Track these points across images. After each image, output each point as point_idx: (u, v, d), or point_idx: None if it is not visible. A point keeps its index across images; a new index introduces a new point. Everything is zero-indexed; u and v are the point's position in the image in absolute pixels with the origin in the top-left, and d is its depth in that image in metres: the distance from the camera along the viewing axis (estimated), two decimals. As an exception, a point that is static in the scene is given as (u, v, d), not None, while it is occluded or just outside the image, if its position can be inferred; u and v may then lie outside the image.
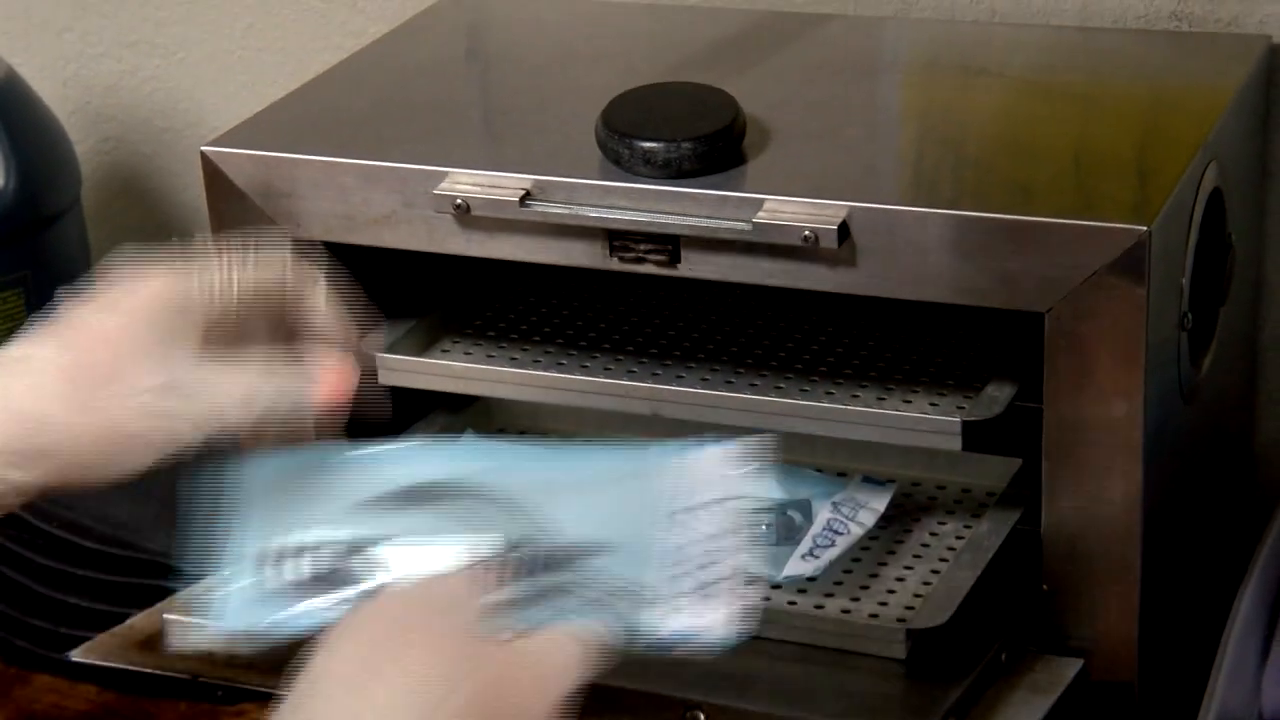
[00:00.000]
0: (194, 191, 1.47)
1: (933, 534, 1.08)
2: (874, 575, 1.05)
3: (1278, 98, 1.19)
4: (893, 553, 1.07)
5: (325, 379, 0.87)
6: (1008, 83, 1.14)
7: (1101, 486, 0.97)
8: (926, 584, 1.04)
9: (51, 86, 1.45)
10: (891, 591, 1.04)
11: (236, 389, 0.85)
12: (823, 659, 0.99)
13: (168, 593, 1.10)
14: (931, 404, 1.05)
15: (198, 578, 1.10)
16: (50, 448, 0.84)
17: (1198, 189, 1.02)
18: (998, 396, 1.04)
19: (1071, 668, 1.00)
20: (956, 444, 1.02)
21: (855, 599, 1.03)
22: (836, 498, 1.06)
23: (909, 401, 1.06)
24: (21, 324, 1.29)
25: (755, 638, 0.86)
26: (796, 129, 1.06)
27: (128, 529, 1.20)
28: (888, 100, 1.16)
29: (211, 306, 0.86)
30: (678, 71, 1.13)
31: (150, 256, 0.87)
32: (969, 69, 1.16)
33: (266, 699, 1.07)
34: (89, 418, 0.84)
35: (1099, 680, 1.00)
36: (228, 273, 0.86)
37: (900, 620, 1.01)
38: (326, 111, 1.13)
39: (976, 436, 1.02)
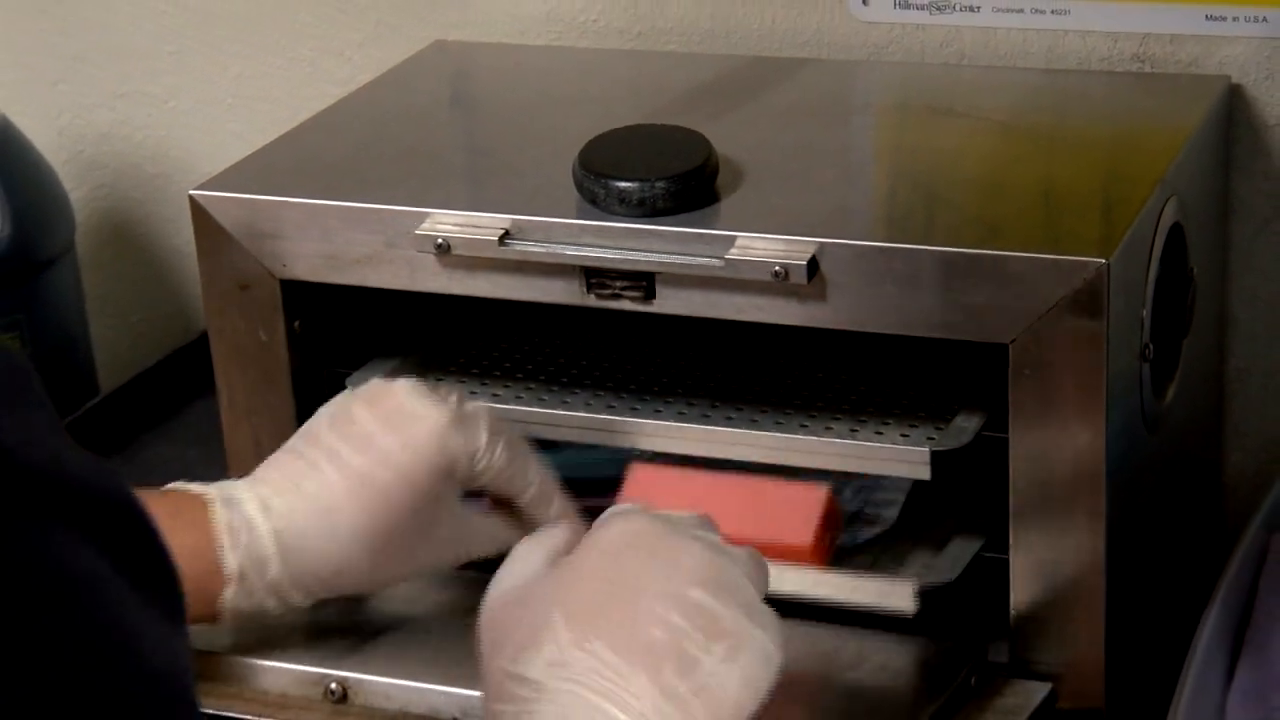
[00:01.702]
0: (185, 236, 1.49)
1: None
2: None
3: (1238, 136, 1.21)
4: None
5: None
6: (975, 123, 1.16)
7: (1066, 513, 0.99)
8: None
9: (46, 135, 1.46)
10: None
11: (491, 539, 1.00)
12: (800, 680, 1.00)
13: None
14: (903, 435, 1.07)
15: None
16: (342, 588, 0.99)
17: (1157, 223, 1.04)
18: (966, 427, 1.05)
19: (1039, 692, 1.01)
20: (926, 473, 1.03)
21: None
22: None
23: (880, 433, 1.07)
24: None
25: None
26: (768, 169, 1.08)
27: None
28: (858, 141, 1.18)
29: (470, 474, 0.99)
30: (655, 115, 1.15)
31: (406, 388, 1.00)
32: (937, 110, 1.18)
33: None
34: (383, 574, 1.00)
35: (1067, 706, 1.02)
36: (486, 444, 0.99)
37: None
38: (311, 156, 1.15)
39: (945, 466, 1.04)
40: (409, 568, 1.00)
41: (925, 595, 1.01)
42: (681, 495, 1.05)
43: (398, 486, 0.97)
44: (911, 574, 1.05)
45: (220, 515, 0.97)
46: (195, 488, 0.99)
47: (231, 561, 0.96)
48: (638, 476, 1.08)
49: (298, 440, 1.01)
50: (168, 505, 0.97)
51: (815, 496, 1.05)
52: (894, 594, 1.02)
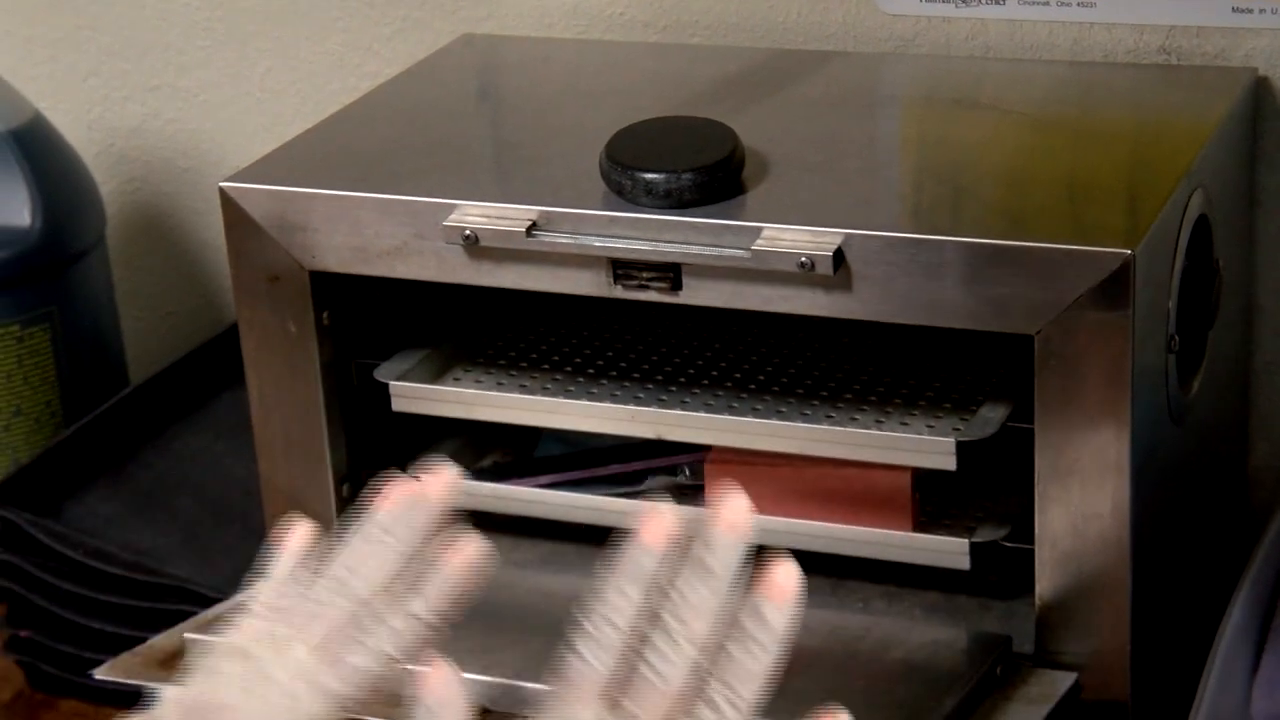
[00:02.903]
0: (215, 229, 1.48)
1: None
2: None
3: (1265, 129, 1.21)
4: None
5: None
6: (1001, 115, 1.15)
7: (1092, 504, 0.99)
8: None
9: (77, 130, 1.47)
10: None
11: None
12: (825, 665, 1.00)
13: (188, 616, 1.12)
14: (929, 425, 1.07)
15: (218, 600, 1.13)
16: None
17: (1183, 215, 1.04)
18: (991, 418, 1.05)
19: (1064, 682, 1.01)
20: (951, 463, 1.03)
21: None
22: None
23: (906, 424, 1.07)
24: (48, 360, 1.32)
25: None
26: (794, 160, 1.08)
27: (152, 556, 1.21)
28: (884, 133, 1.17)
29: None
30: (680, 107, 1.14)
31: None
32: (963, 102, 1.18)
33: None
34: None
35: (1091, 696, 1.02)
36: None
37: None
38: (340, 148, 1.15)
39: (970, 456, 1.03)
40: None
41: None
42: (766, 487, 1.06)
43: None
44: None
45: None
46: None
47: None
48: (717, 473, 1.09)
49: None
50: None
51: (901, 482, 1.05)
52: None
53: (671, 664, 0.81)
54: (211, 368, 1.36)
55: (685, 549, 0.85)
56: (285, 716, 0.85)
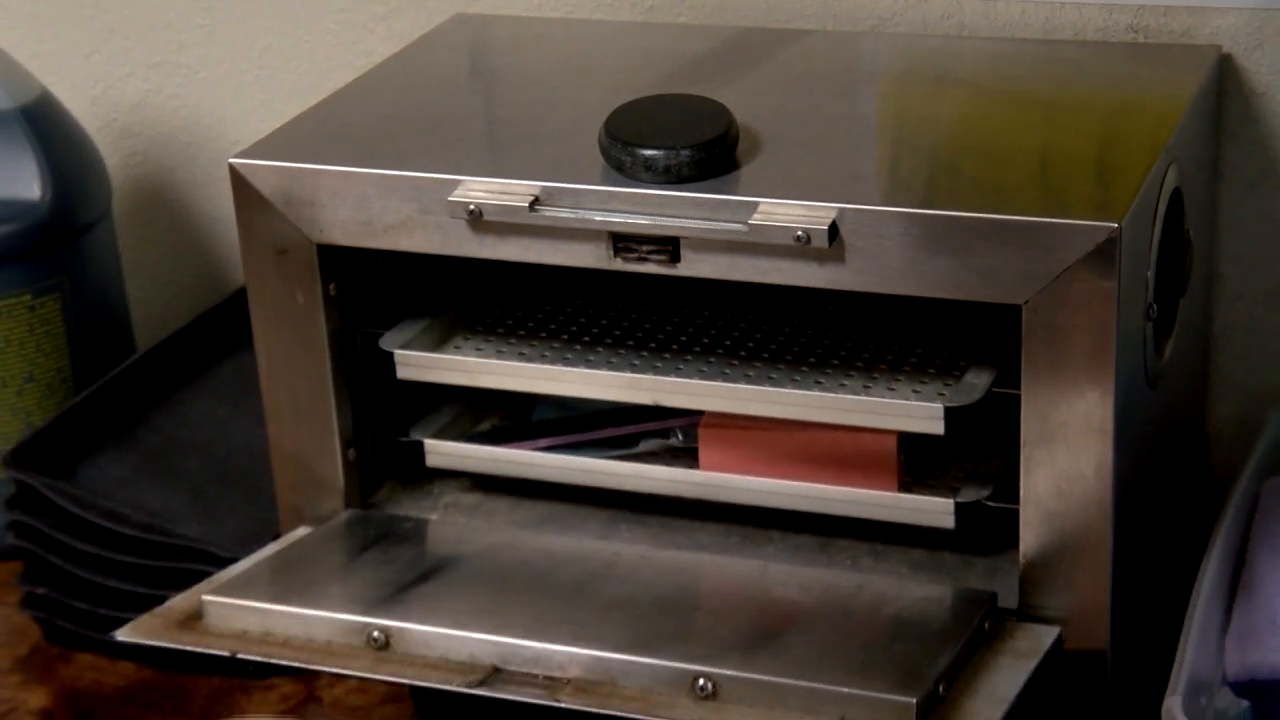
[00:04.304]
0: (215, 201, 1.45)
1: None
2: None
3: (1228, 104, 1.18)
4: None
5: None
6: (978, 91, 1.12)
7: (1076, 466, 0.96)
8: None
9: (82, 105, 1.42)
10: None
11: None
12: (824, 623, 0.97)
13: (200, 575, 1.08)
14: (915, 391, 1.04)
15: (229, 560, 1.09)
16: None
17: (1160, 188, 1.01)
18: (976, 384, 1.02)
19: (1048, 636, 0.98)
20: (939, 427, 1.00)
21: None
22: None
23: (893, 389, 1.04)
24: (59, 328, 1.28)
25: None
26: (784, 136, 1.04)
27: (162, 517, 1.18)
28: (867, 109, 1.14)
29: None
30: (670, 84, 1.11)
31: None
32: (942, 79, 1.14)
33: (297, 672, 1.06)
34: None
35: (1073, 648, 0.99)
36: None
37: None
38: (345, 125, 1.11)
39: (957, 421, 1.00)
40: None
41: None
42: (757, 450, 1.03)
43: None
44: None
45: None
46: None
47: None
48: (711, 437, 1.05)
49: None
50: None
51: (887, 445, 1.02)
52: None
53: None
54: (215, 334, 1.33)
55: None
56: None
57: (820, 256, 0.96)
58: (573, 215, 0.99)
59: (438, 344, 1.11)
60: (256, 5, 1.39)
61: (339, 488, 1.10)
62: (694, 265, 0.99)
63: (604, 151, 1.01)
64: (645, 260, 0.99)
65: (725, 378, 1.06)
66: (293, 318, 1.07)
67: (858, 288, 0.96)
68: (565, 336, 1.11)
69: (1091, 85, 1.13)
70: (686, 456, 1.09)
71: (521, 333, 1.12)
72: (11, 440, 1.23)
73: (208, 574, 1.09)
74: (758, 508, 1.06)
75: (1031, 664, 0.96)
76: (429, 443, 1.11)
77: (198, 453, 1.25)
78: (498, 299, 1.15)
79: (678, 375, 1.06)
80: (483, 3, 1.32)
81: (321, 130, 1.10)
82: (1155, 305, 1.00)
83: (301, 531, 1.10)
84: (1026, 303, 0.93)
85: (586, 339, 1.11)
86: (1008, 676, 0.95)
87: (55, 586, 1.18)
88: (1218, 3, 1.16)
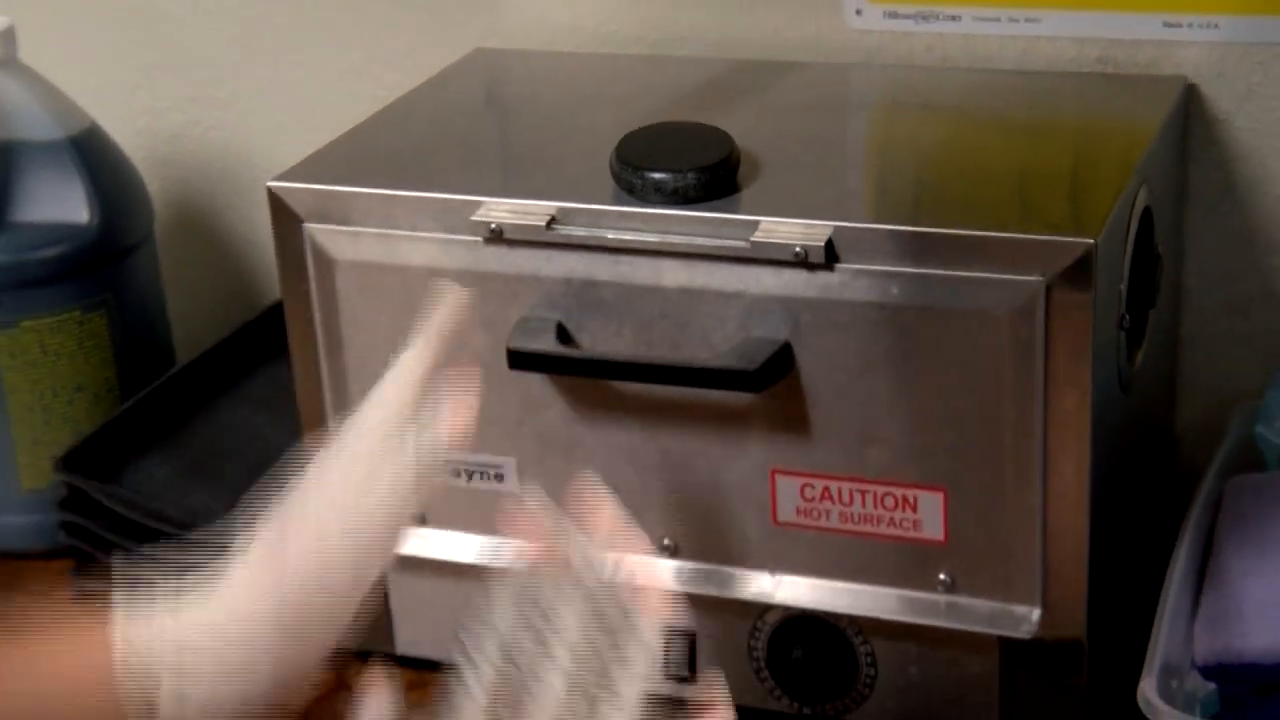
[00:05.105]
0: (249, 224, 1.46)
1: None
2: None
3: (1193, 130, 1.18)
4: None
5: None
6: (961, 118, 1.13)
7: (1055, 465, 0.96)
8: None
9: (127, 135, 1.43)
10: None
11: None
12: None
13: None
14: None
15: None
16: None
17: (1132, 208, 1.01)
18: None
19: (1029, 620, 0.99)
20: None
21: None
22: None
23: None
24: (106, 342, 1.29)
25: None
26: (781, 160, 1.05)
27: (202, 516, 1.18)
28: (858, 134, 1.14)
29: None
30: (671, 114, 1.11)
31: None
32: (927, 107, 1.15)
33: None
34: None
35: (1053, 636, 0.99)
36: None
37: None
38: (373, 151, 1.11)
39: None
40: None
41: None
42: None
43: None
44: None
45: (122, 650, 0.79)
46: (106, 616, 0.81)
47: (133, 698, 0.79)
48: None
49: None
50: (69, 641, 0.81)
51: None
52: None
53: (549, 674, 0.76)
54: (250, 347, 1.34)
55: (556, 554, 0.80)
56: None
57: (816, 270, 0.96)
58: (587, 233, 1.00)
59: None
60: (286, 42, 1.40)
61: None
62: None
63: (615, 175, 1.01)
64: (654, 275, 1.00)
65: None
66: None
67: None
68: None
69: (1066, 112, 1.14)
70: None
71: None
72: (62, 446, 1.23)
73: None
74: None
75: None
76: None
77: (235, 456, 1.25)
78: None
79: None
80: (499, 38, 1.33)
81: (351, 156, 1.11)
82: (1128, 316, 1.01)
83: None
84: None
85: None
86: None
87: (103, 581, 1.19)
88: (1182, 36, 1.17)
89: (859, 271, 0.96)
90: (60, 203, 1.28)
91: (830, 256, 0.96)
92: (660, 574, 0.98)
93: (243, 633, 0.79)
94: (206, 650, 0.79)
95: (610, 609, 0.77)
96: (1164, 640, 0.94)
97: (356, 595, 0.81)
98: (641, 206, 0.99)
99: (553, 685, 0.75)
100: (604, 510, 0.83)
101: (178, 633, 0.79)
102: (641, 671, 0.76)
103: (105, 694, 0.79)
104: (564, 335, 1.01)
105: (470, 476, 1.07)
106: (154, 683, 0.79)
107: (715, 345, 0.99)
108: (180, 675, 0.79)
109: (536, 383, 1.03)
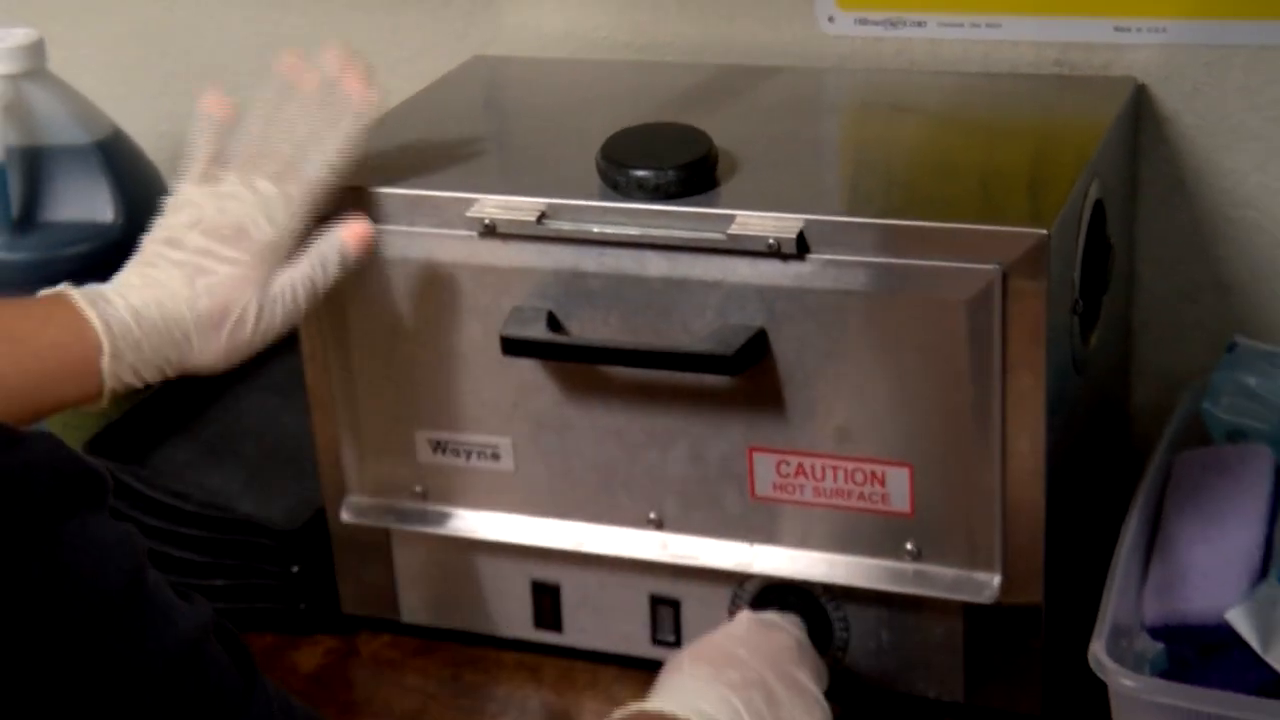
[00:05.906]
0: (266, 222, 1.45)
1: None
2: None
3: (1143, 128, 1.18)
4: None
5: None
6: (927, 118, 1.12)
7: (1014, 442, 0.96)
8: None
9: (149, 140, 1.42)
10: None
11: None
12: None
13: (255, 546, 1.09)
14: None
15: (282, 532, 1.09)
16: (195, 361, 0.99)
17: (1084, 200, 1.01)
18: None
19: (991, 585, 0.99)
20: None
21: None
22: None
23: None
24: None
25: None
26: (757, 158, 1.05)
27: (222, 495, 1.19)
28: (831, 134, 1.14)
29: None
30: (658, 114, 1.11)
31: None
32: (895, 108, 1.15)
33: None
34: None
35: (1011, 602, 0.99)
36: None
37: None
38: (377, 152, 1.11)
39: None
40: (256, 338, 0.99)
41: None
42: None
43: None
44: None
45: (89, 308, 0.94)
46: (64, 289, 0.95)
47: (104, 338, 0.93)
48: None
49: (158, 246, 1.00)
50: (41, 312, 0.93)
51: None
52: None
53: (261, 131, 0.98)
54: (265, 337, 1.33)
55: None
56: (264, 224, 0.97)
57: (789, 260, 0.96)
58: (575, 228, 1.00)
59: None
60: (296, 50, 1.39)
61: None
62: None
63: (601, 173, 1.01)
64: (638, 266, 1.00)
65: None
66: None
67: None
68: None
69: (1025, 112, 1.14)
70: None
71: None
72: (90, 431, 1.23)
73: (262, 545, 1.09)
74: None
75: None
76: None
77: (252, 439, 1.26)
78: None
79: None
80: (496, 46, 1.33)
81: (356, 156, 1.10)
82: (1081, 301, 1.01)
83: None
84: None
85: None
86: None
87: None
88: (1133, 40, 1.17)
89: (829, 261, 0.96)
90: (86, 203, 1.28)
91: (802, 247, 0.96)
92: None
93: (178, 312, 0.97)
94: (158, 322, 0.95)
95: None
96: (1114, 604, 0.94)
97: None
98: (626, 202, 0.99)
99: (258, 138, 1.03)
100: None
101: (133, 306, 0.94)
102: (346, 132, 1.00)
103: (83, 350, 0.91)
104: (554, 323, 1.01)
105: (469, 456, 1.07)
106: (126, 339, 0.93)
107: (696, 331, 0.99)
108: (144, 337, 0.94)
109: (529, 368, 1.04)
